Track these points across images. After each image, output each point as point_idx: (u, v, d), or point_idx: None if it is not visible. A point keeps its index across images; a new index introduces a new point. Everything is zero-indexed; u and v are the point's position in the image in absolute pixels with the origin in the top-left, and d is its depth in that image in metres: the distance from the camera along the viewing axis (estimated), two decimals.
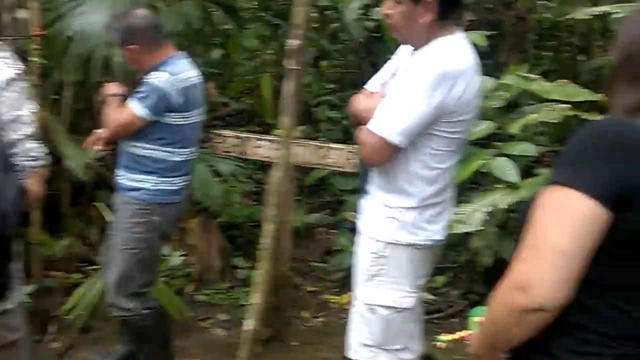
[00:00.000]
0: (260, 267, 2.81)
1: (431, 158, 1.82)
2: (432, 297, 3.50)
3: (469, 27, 2.72)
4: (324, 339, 3.29)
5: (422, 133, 1.77)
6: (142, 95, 2.45)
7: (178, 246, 3.86)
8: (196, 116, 2.62)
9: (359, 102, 1.91)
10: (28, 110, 1.70)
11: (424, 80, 1.73)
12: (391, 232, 1.86)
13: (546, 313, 0.91)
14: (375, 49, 4.61)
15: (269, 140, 3.02)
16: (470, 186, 3.46)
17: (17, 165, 1.50)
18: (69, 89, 3.45)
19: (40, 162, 1.72)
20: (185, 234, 3.85)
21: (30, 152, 1.66)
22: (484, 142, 3.22)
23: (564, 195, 0.92)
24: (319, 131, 4.79)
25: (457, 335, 1.39)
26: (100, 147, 2.67)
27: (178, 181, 2.62)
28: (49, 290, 3.30)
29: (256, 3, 4.53)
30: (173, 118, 2.51)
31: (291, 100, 2.71)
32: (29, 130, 1.66)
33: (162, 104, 2.45)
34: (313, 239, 4.42)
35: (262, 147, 3.02)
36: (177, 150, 2.57)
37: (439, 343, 1.52)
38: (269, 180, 3.00)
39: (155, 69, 2.50)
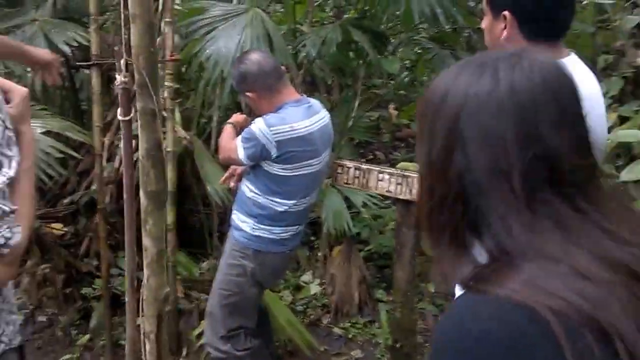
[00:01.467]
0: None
1: None
2: None
3: None
4: None
5: None
6: (245, 137, 2.30)
7: (318, 274, 3.69)
8: (310, 166, 2.37)
9: None
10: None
11: None
12: None
13: None
14: None
15: (390, 174, 2.69)
16: None
17: None
18: (215, 113, 3.52)
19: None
20: (327, 263, 3.66)
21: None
22: None
23: None
24: None
25: None
26: (234, 184, 2.58)
27: (278, 231, 2.40)
28: (186, 313, 3.32)
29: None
30: (274, 168, 2.32)
31: None
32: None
33: (259, 153, 2.27)
34: None
35: (383, 181, 2.70)
36: (280, 200, 2.36)
37: None
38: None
39: (271, 111, 2.35)
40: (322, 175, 2.55)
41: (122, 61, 0.93)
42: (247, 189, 2.41)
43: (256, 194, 2.37)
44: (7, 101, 0.91)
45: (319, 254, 3.64)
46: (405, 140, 5.66)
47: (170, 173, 3.00)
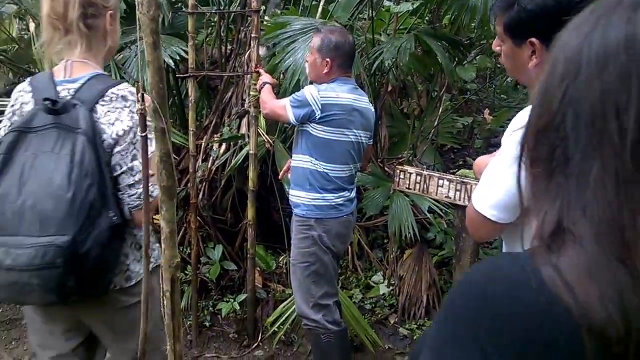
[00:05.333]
0: None
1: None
2: None
3: None
4: None
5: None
6: (296, 99, 2.62)
7: (389, 276, 3.82)
8: (345, 135, 2.64)
9: (480, 162, 1.65)
10: (139, 162, 1.59)
11: (517, 145, 1.35)
12: None
13: None
14: None
15: (450, 181, 2.77)
16: None
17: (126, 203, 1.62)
18: None
19: (140, 202, 1.62)
20: (397, 264, 3.78)
21: (135, 194, 1.62)
22: None
23: None
24: None
25: None
26: (281, 176, 2.90)
27: (330, 197, 2.66)
28: (263, 301, 3.62)
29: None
30: (317, 130, 2.61)
31: None
32: (136, 173, 1.61)
33: (307, 114, 2.59)
34: None
35: (443, 187, 2.79)
36: (325, 164, 2.63)
37: None
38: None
39: (321, 84, 2.66)
40: (359, 152, 2.74)
41: (139, 95, 1.22)
42: (297, 162, 2.71)
43: (305, 161, 2.66)
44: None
45: (391, 256, 3.77)
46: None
47: (252, 174, 3.32)
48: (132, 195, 1.59)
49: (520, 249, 1.42)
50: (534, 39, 1.36)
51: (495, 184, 1.40)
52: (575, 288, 0.58)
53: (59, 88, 1.61)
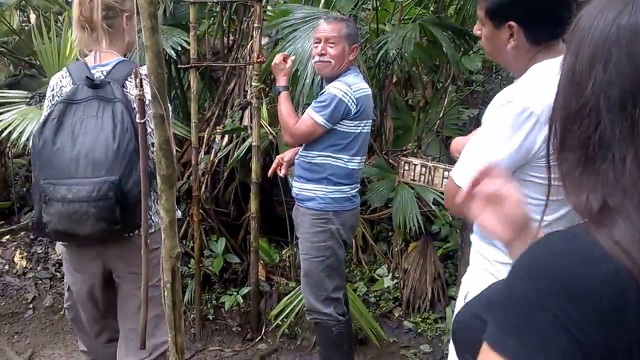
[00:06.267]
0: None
1: (531, 208, 1.41)
2: None
3: None
4: None
5: (514, 180, 1.41)
6: (322, 103, 2.53)
7: (393, 268, 3.79)
8: (366, 126, 2.64)
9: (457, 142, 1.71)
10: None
11: (502, 121, 1.39)
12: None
13: None
14: None
15: None
16: None
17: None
18: (299, 110, 3.74)
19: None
20: (402, 257, 3.75)
21: None
22: None
23: None
24: None
25: None
26: (285, 171, 2.80)
27: (347, 189, 2.63)
28: (267, 294, 3.59)
29: None
30: (344, 125, 2.56)
31: None
32: None
33: (340, 113, 2.52)
34: None
35: (448, 178, 2.75)
36: (347, 157, 2.59)
37: None
38: None
39: (338, 77, 2.60)
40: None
41: (137, 80, 1.18)
42: (312, 156, 2.62)
43: (324, 156, 2.60)
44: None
45: (396, 249, 3.73)
46: None
47: (254, 165, 3.28)
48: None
49: None
50: (512, 22, 1.43)
51: (476, 157, 1.44)
52: (633, 255, 0.64)
53: (92, 71, 2.01)
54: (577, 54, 0.72)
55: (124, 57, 2.10)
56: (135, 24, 2.01)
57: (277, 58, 2.74)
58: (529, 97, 1.36)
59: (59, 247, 2.34)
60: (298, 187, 2.70)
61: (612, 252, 0.65)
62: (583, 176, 0.71)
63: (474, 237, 1.64)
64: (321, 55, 2.60)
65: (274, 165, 2.85)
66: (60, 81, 2.09)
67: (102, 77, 2.00)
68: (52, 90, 2.08)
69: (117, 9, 2.04)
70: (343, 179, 2.60)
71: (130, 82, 1.98)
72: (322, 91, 2.62)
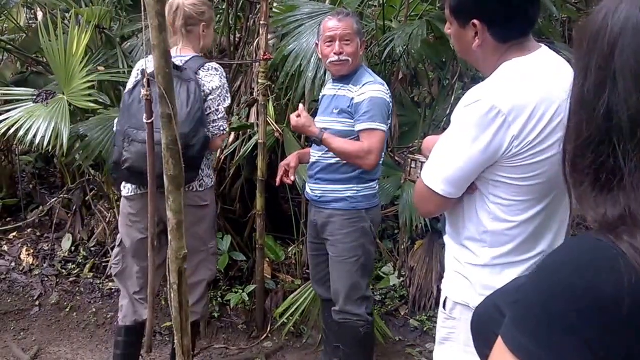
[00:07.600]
0: None
1: (501, 209, 1.42)
2: None
3: None
4: None
5: (483, 180, 1.43)
6: (382, 110, 2.50)
7: (399, 267, 3.77)
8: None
9: (429, 141, 1.70)
10: (223, 107, 2.58)
11: (469, 121, 1.37)
12: (460, 290, 1.52)
13: None
14: None
15: None
16: None
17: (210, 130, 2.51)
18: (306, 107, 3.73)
19: (222, 132, 2.58)
20: (408, 255, 3.73)
21: (217, 126, 2.53)
22: None
23: None
24: None
25: None
26: (293, 178, 2.73)
27: (374, 185, 2.67)
28: (272, 292, 3.59)
29: None
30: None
31: None
32: (220, 115, 2.55)
33: (389, 113, 2.59)
34: None
35: None
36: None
37: None
38: None
39: (352, 74, 2.59)
40: None
41: (145, 80, 1.17)
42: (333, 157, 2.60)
43: None
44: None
45: (402, 247, 3.71)
46: None
47: (260, 163, 3.28)
48: (215, 126, 2.53)
49: (463, 227, 1.45)
50: (476, 21, 1.41)
51: (445, 159, 1.44)
52: None
53: (173, 60, 2.33)
54: (585, 71, 0.71)
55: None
56: (212, 32, 2.66)
57: (293, 120, 2.58)
58: (496, 96, 1.34)
59: (123, 202, 2.61)
60: (321, 190, 2.65)
61: (634, 261, 0.64)
62: (599, 198, 0.70)
63: (447, 239, 1.63)
64: (339, 54, 2.51)
65: (280, 173, 2.76)
66: (146, 63, 2.33)
67: (181, 64, 2.48)
68: (138, 69, 2.61)
69: (196, 18, 2.57)
70: (372, 175, 2.63)
71: (203, 71, 2.52)
72: (361, 95, 2.50)
